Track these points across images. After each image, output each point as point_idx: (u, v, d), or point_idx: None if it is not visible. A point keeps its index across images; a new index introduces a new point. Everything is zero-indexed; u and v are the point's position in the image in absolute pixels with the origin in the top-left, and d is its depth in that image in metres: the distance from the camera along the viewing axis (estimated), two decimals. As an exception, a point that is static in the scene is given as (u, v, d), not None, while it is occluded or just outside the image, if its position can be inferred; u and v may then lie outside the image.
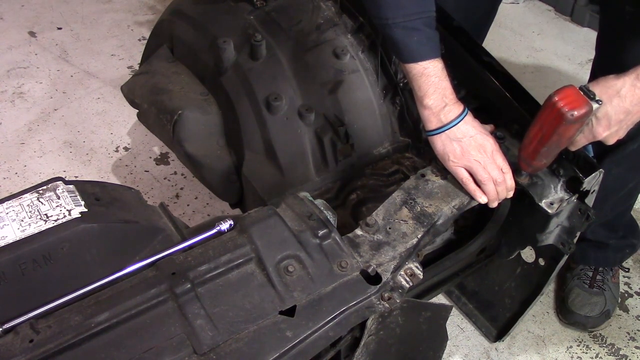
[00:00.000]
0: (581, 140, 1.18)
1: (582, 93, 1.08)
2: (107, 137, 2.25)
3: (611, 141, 1.18)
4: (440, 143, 1.20)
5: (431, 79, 1.17)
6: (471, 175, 1.20)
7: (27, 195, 1.00)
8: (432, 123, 1.19)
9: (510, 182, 1.21)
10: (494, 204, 1.23)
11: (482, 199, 1.21)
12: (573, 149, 1.20)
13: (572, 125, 1.08)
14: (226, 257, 1.02)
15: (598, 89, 1.11)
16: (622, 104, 1.11)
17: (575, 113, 1.06)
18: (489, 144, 1.19)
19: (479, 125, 1.21)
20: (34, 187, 1.02)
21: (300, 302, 0.99)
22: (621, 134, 1.17)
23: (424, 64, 1.16)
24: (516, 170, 1.23)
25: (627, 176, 1.58)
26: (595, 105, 1.09)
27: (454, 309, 1.73)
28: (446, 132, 1.18)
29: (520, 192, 1.25)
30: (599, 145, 1.51)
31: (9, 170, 2.10)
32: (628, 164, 1.54)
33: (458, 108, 1.19)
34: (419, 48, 1.16)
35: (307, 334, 0.96)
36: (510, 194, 1.23)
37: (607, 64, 1.50)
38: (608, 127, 1.14)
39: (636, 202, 1.89)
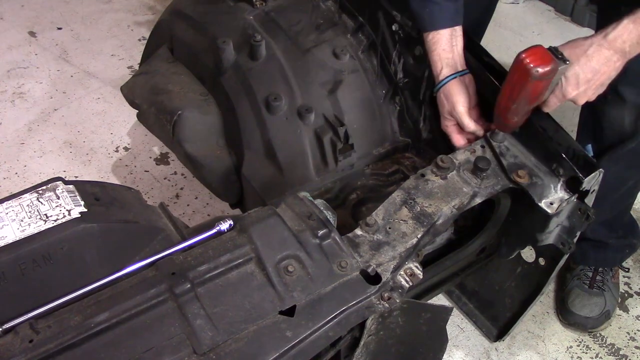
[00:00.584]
0: (552, 100, 1.22)
1: (549, 52, 1.14)
2: (107, 137, 2.25)
3: (580, 101, 1.22)
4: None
5: (438, 48, 1.32)
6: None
7: (27, 196, 1.00)
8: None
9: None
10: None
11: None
12: (546, 109, 1.25)
13: (539, 82, 1.14)
14: (226, 257, 1.01)
15: (567, 49, 1.16)
16: (590, 63, 1.16)
17: (540, 70, 1.11)
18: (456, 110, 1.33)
19: (460, 93, 1.32)
20: (34, 187, 1.01)
21: (300, 302, 0.99)
22: (590, 95, 1.21)
23: (433, 34, 1.31)
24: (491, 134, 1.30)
25: (626, 174, 1.59)
26: (562, 65, 1.14)
27: (454, 308, 1.73)
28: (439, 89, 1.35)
29: (520, 192, 1.25)
30: (598, 144, 1.51)
31: (9, 170, 2.10)
32: (627, 162, 1.54)
33: (450, 70, 1.33)
34: (430, 18, 1.31)
35: (307, 334, 0.96)
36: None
37: None
38: (577, 87, 1.18)
39: (636, 202, 1.89)
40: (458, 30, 1.34)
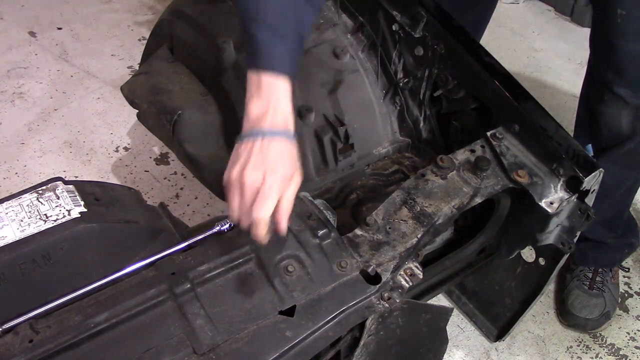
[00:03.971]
0: None
1: None
2: (107, 137, 2.25)
3: None
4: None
5: (275, 95, 0.99)
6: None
7: (27, 196, 1.00)
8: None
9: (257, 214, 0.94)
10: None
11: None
12: None
13: None
14: (226, 257, 1.02)
15: None
16: None
17: None
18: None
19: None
20: (34, 187, 1.02)
21: (300, 302, 0.99)
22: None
23: (275, 75, 0.99)
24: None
25: (624, 175, 1.59)
26: None
27: (454, 309, 1.73)
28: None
29: (520, 191, 1.25)
30: (594, 144, 1.51)
31: (9, 170, 2.10)
32: (625, 163, 1.54)
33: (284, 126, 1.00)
34: (279, 57, 1.00)
35: (307, 334, 0.96)
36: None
37: (600, 63, 1.51)
38: None
39: (635, 202, 1.89)
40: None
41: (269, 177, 0.93)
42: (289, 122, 1.00)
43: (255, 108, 0.99)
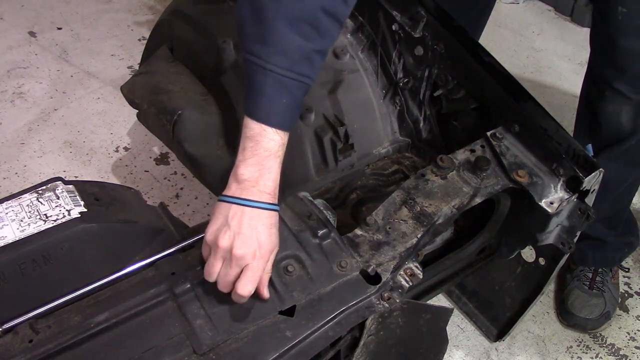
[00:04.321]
0: None
1: None
2: (107, 137, 2.25)
3: None
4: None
5: (268, 160, 0.96)
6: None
7: (27, 196, 1.00)
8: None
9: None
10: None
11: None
12: None
13: None
14: (226, 257, 1.01)
15: None
16: None
17: None
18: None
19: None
20: (34, 187, 1.02)
21: (300, 302, 0.99)
22: None
23: (273, 130, 0.96)
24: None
25: (625, 172, 1.59)
26: None
27: (454, 309, 1.73)
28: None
29: (520, 191, 1.25)
30: (595, 142, 1.51)
31: (9, 170, 2.10)
32: (626, 160, 1.54)
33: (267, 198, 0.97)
34: (282, 112, 0.96)
35: (307, 334, 0.96)
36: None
37: (601, 60, 1.51)
38: None
39: (635, 202, 1.89)
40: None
41: (257, 256, 0.95)
42: (276, 192, 0.99)
43: (246, 172, 0.96)
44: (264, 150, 0.96)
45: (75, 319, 0.92)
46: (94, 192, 1.04)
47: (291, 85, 0.95)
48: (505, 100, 1.30)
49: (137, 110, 1.65)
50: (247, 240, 0.94)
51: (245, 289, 0.94)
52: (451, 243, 1.47)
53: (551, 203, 1.23)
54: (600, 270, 1.80)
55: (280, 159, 0.98)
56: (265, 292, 0.99)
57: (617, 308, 1.81)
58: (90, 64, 2.59)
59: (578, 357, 1.70)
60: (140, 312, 0.94)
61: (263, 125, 0.96)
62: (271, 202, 0.98)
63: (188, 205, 2.01)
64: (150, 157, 2.18)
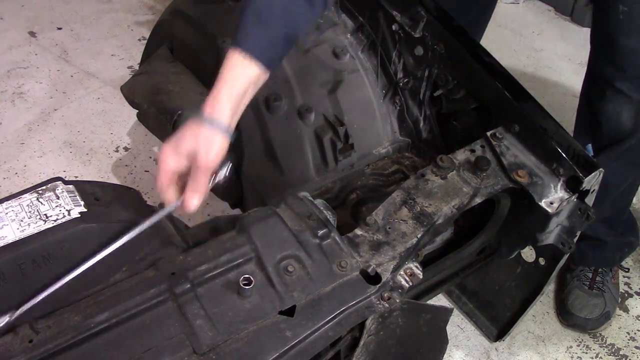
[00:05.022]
0: None
1: None
2: (107, 137, 2.25)
3: None
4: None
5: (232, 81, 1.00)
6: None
7: (27, 196, 1.00)
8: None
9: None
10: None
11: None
12: None
13: None
14: (226, 257, 1.01)
15: None
16: None
17: None
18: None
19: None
20: (34, 187, 1.01)
21: (300, 302, 0.99)
22: None
23: (247, 57, 1.00)
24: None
25: (626, 172, 1.59)
26: None
27: (454, 309, 1.73)
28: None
29: (520, 191, 1.25)
30: (595, 141, 1.51)
31: (9, 170, 2.10)
32: (626, 159, 1.54)
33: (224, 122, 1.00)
34: (255, 40, 1.01)
35: (307, 334, 0.96)
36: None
37: (601, 59, 1.51)
38: None
39: (635, 202, 1.89)
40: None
41: (202, 170, 1.03)
42: (226, 115, 1.01)
43: (214, 88, 1.01)
44: (231, 71, 1.01)
45: (75, 319, 0.92)
46: (94, 192, 1.04)
47: (267, 16, 1.02)
48: (505, 100, 1.30)
49: (137, 110, 1.65)
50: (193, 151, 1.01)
51: (191, 202, 1.03)
52: (451, 243, 1.47)
53: (551, 203, 1.23)
54: (600, 270, 1.80)
55: (241, 87, 1.01)
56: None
57: (617, 308, 1.81)
58: (90, 64, 2.59)
59: (578, 357, 1.70)
60: (140, 312, 0.94)
61: (237, 50, 1.01)
62: (218, 120, 1.00)
63: (188, 205, 2.01)
64: (150, 157, 2.18)
